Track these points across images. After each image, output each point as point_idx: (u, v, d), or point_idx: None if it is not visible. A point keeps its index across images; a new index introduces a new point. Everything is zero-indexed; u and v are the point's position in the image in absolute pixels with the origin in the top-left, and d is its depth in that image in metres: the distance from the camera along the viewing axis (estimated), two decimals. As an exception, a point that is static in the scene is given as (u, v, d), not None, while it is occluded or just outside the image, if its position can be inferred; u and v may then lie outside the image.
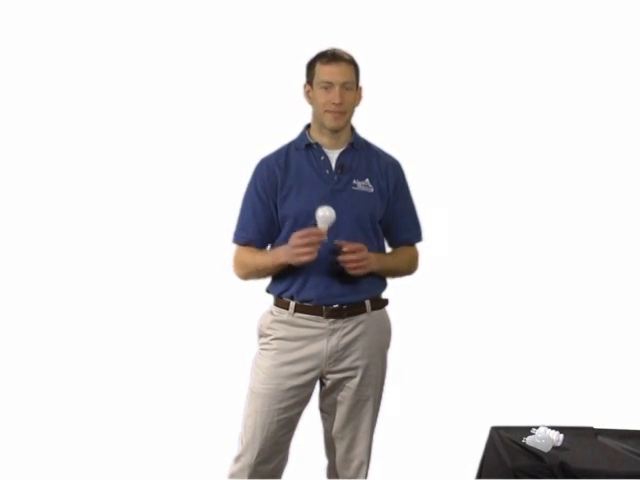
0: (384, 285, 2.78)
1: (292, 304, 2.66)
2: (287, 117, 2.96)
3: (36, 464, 3.63)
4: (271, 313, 2.73)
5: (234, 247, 2.76)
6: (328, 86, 2.62)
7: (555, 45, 4.42)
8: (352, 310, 2.66)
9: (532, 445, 2.61)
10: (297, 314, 2.66)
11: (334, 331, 2.66)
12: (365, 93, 2.74)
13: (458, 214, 4.33)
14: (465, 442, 3.27)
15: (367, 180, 2.70)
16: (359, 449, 2.77)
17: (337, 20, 4.28)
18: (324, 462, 2.90)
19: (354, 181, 2.69)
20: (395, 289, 2.82)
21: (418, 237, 2.84)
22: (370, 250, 2.66)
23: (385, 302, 2.78)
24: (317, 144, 2.70)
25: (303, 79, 2.72)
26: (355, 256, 2.57)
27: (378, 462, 2.92)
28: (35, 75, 4.41)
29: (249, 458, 2.71)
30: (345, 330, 2.67)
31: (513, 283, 4.37)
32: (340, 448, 2.79)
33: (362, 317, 2.69)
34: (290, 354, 2.68)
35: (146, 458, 3.68)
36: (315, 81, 2.66)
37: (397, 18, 4.39)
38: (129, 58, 4.41)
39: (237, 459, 2.75)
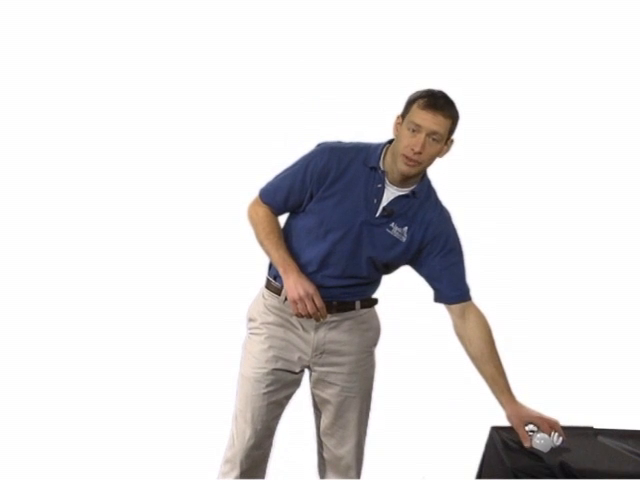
0: (377, 288, 2.79)
1: (284, 291, 2.65)
2: (291, 117, 2.95)
3: (29, 461, 3.63)
4: (262, 296, 2.74)
5: (257, 194, 2.72)
6: (416, 129, 2.48)
7: (557, 47, 4.44)
8: (342, 307, 2.67)
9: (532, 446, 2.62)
10: (288, 302, 2.64)
11: (322, 324, 2.67)
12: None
13: (457, 213, 4.33)
14: (465, 442, 3.27)
15: (405, 228, 2.61)
16: (348, 447, 2.78)
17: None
18: (316, 459, 2.91)
19: (392, 224, 2.60)
20: (395, 288, 2.82)
21: (462, 296, 2.70)
22: (375, 279, 2.70)
23: (375, 301, 2.78)
24: (383, 172, 2.59)
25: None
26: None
27: (377, 462, 2.92)
28: (37, 76, 4.43)
29: (242, 443, 2.72)
30: (333, 324, 2.69)
31: (512, 282, 4.37)
32: (330, 445, 2.80)
33: (350, 314, 2.70)
34: (279, 339, 2.70)
35: (138, 445, 3.68)
36: (406, 119, 2.52)
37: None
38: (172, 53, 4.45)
39: (230, 445, 2.77)
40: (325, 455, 2.83)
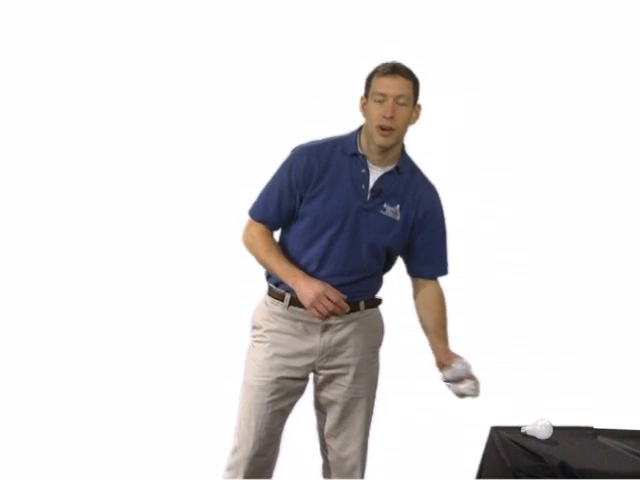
0: (380, 287, 2.78)
1: (287, 297, 2.65)
2: (294, 114, 2.93)
3: (27, 462, 3.63)
4: (265, 304, 2.73)
5: (248, 217, 2.71)
6: (382, 99, 2.52)
7: (557, 44, 4.43)
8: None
9: (531, 433, 2.64)
10: (292, 307, 2.65)
11: (327, 327, 2.66)
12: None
13: (455, 212, 4.33)
14: (465, 442, 3.27)
15: (397, 207, 2.62)
16: (353, 447, 2.77)
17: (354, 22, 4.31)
18: (320, 461, 2.90)
19: (385, 204, 2.61)
20: (394, 288, 2.81)
21: (440, 271, 2.73)
22: (376, 269, 2.69)
23: (379, 301, 2.77)
24: (363, 156, 2.61)
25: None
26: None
27: (378, 462, 2.92)
28: (36, 76, 4.42)
29: (245, 450, 2.71)
30: (338, 327, 2.67)
31: (513, 282, 4.37)
32: (334, 446, 2.79)
33: (355, 315, 2.68)
34: (284, 347, 2.68)
35: (142, 451, 3.67)
36: (370, 93, 2.56)
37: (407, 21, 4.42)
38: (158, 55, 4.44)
39: (234, 452, 2.75)
40: (329, 457, 2.82)
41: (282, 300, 2.67)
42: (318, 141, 2.67)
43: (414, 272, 2.74)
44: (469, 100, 4.42)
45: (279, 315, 2.69)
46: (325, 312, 2.54)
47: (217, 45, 4.42)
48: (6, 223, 4.46)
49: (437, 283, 2.74)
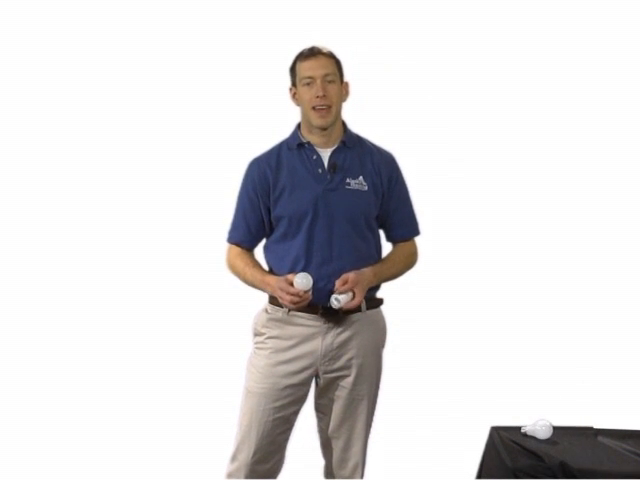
0: (379, 285, 2.78)
1: None
2: (280, 116, 2.94)
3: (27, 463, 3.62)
4: (266, 311, 2.74)
5: (227, 245, 2.80)
6: (310, 81, 2.63)
7: (553, 41, 4.43)
8: (348, 309, 2.65)
9: (531, 433, 2.65)
10: (292, 312, 2.66)
11: (329, 329, 2.67)
12: (366, 89, 2.74)
13: (455, 213, 4.34)
14: (465, 442, 3.27)
15: (361, 178, 2.69)
16: (355, 448, 2.77)
17: (325, 18, 4.31)
18: (321, 462, 2.90)
19: (347, 179, 2.68)
20: (393, 288, 2.82)
21: (414, 232, 2.82)
22: (366, 250, 2.69)
23: (380, 301, 2.79)
24: (309, 143, 2.69)
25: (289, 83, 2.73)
26: (354, 301, 2.59)
27: (378, 462, 2.91)
28: (34, 75, 4.42)
29: (245, 457, 2.72)
30: (340, 329, 2.68)
31: (513, 282, 4.37)
32: (336, 448, 2.79)
33: (357, 316, 2.69)
34: (285, 353, 2.68)
35: (142, 457, 3.67)
36: (297, 80, 2.67)
37: (387, 15, 4.41)
38: (112, 63, 4.41)
39: (233, 459, 2.76)
40: (331, 457, 2.82)
41: (282, 306, 2.67)
42: (262, 152, 2.76)
43: (391, 238, 2.82)
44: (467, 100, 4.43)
45: (279, 321, 2.69)
46: (288, 302, 2.57)
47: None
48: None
49: (411, 243, 2.82)
